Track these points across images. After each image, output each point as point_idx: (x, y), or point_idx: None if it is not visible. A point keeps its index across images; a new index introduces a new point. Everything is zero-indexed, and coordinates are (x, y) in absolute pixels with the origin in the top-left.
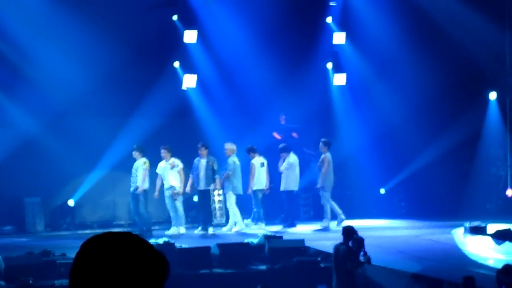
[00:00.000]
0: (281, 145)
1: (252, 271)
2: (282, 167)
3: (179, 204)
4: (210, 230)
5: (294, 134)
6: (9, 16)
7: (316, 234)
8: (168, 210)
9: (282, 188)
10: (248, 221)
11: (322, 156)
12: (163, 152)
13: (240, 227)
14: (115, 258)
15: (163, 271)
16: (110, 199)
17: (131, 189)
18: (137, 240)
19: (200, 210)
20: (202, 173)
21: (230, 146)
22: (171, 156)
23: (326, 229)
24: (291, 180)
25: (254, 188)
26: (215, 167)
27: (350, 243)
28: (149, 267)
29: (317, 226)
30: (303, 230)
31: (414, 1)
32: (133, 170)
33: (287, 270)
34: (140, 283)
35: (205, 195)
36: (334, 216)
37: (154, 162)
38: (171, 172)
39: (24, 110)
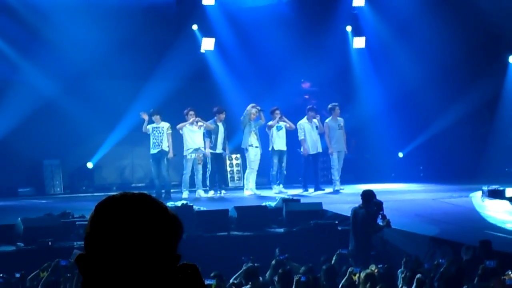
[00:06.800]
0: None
1: (270, 234)
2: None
3: (200, 166)
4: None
5: (306, 96)
6: None
7: (334, 197)
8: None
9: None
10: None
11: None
12: (192, 114)
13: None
14: (129, 218)
15: (177, 232)
16: (128, 161)
17: (154, 151)
18: (151, 201)
19: (215, 173)
20: (220, 137)
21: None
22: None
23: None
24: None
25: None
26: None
27: (369, 207)
28: (163, 228)
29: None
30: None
31: None
32: (155, 133)
33: (305, 233)
34: (153, 243)
35: (220, 159)
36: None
37: (171, 125)
38: (198, 133)
39: (43, 72)
